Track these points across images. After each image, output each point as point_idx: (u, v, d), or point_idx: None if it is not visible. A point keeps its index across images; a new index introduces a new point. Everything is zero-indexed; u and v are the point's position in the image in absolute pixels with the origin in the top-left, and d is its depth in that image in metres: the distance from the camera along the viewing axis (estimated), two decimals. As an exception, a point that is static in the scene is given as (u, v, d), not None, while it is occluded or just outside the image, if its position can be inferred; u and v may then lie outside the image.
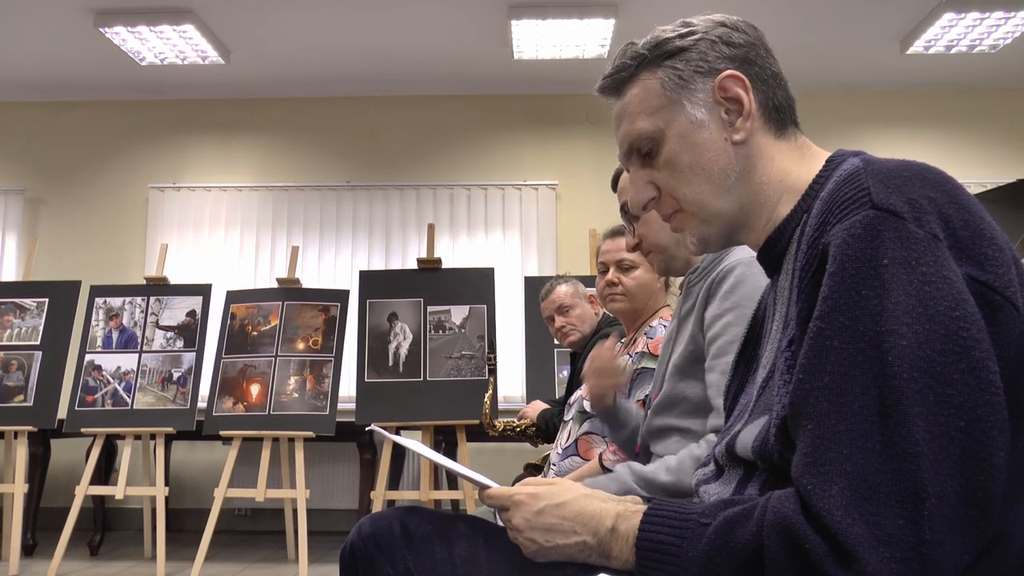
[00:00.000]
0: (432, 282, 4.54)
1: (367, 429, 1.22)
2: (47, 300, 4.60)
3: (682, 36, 1.03)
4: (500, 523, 1.05)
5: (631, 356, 2.15)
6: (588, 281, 3.30)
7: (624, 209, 1.70)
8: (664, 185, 1.04)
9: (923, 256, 0.78)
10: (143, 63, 5.19)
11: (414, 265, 4.71)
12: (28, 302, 4.61)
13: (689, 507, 0.90)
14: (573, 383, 3.14)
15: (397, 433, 4.23)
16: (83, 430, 4.30)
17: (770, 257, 1.03)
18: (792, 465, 0.81)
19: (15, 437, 4.30)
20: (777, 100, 1.03)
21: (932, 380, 0.75)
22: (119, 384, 4.42)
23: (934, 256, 0.78)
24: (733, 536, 0.82)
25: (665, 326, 2.13)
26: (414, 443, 1.28)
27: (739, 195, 1.01)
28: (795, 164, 1.02)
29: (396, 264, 5.59)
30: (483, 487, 1.06)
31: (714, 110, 1.01)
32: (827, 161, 0.99)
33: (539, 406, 3.46)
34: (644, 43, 1.05)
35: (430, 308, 4.47)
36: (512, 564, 1.01)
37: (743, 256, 1.51)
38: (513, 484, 1.12)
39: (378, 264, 5.61)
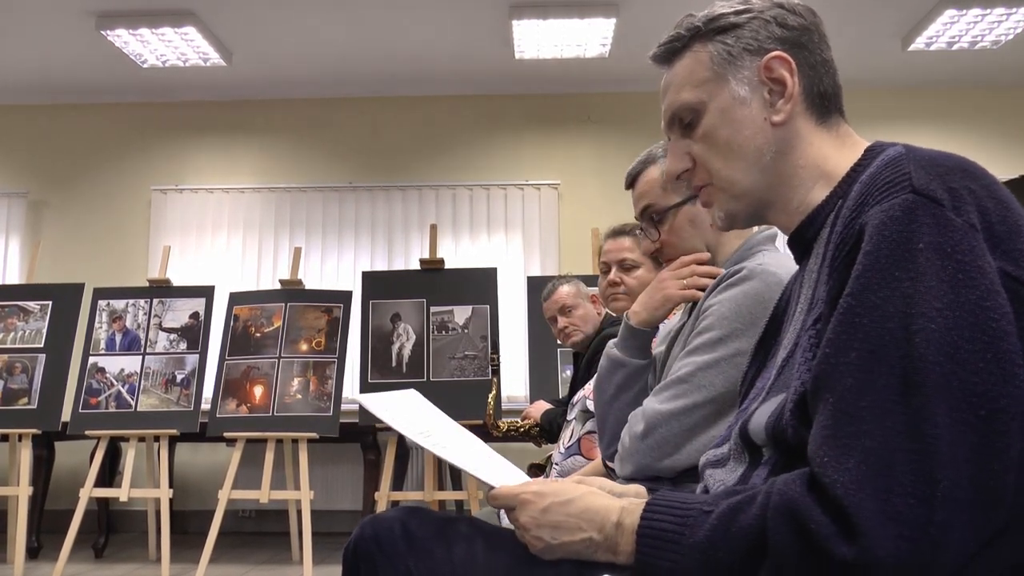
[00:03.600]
0: (435, 282, 4.55)
1: (355, 398, 1.19)
2: (50, 303, 4.61)
3: (738, 13, 1.04)
4: (505, 523, 1.06)
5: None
6: (591, 281, 3.30)
7: (646, 211, 1.66)
8: (699, 157, 1.06)
9: (959, 244, 0.78)
10: (145, 65, 5.20)
11: (417, 266, 4.71)
12: (31, 305, 4.62)
13: (692, 497, 0.90)
14: (576, 383, 3.14)
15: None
16: (87, 432, 4.31)
17: (801, 242, 1.04)
18: (810, 438, 0.81)
19: (19, 440, 4.30)
20: (823, 87, 1.03)
21: (957, 366, 0.75)
22: (123, 386, 4.43)
23: (970, 245, 0.78)
24: (735, 521, 0.82)
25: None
26: (408, 427, 1.24)
27: (772, 175, 1.02)
28: (834, 151, 1.02)
29: (399, 265, 5.60)
30: (488, 487, 1.06)
31: (758, 89, 1.02)
32: (866, 150, 1.00)
33: (542, 406, 3.47)
34: (701, 16, 1.06)
35: (433, 308, 4.47)
36: (510, 564, 1.01)
37: (755, 266, 1.46)
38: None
39: (381, 265, 5.61)
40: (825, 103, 1.04)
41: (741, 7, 1.04)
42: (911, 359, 0.76)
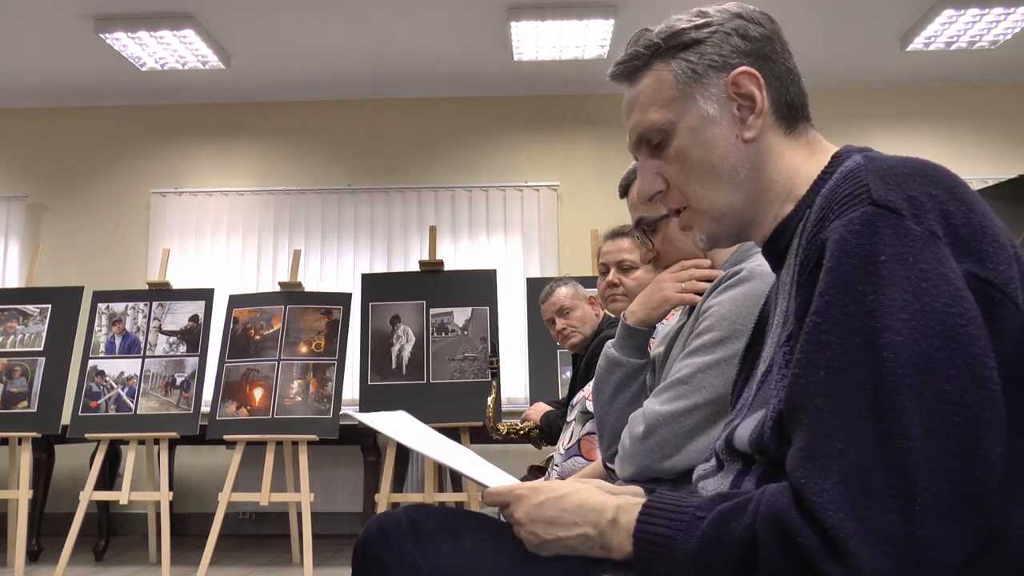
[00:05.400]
0: (434, 284, 4.55)
1: (345, 414, 1.20)
2: (50, 306, 4.60)
3: (697, 28, 1.02)
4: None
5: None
6: (590, 282, 3.30)
7: (639, 224, 1.67)
8: (673, 179, 1.04)
9: (920, 253, 0.78)
10: (144, 68, 5.20)
11: (416, 267, 4.71)
12: (31, 308, 4.62)
13: (687, 500, 0.90)
14: (576, 384, 3.14)
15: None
16: (87, 436, 4.30)
17: (774, 252, 1.03)
18: (787, 459, 0.81)
19: (19, 443, 4.30)
20: (790, 97, 1.02)
21: (927, 376, 0.75)
22: (122, 389, 4.43)
23: (932, 253, 0.78)
24: (727, 529, 0.82)
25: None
26: (401, 432, 1.26)
27: (748, 192, 1.01)
28: (804, 160, 1.01)
29: (398, 267, 5.59)
30: (482, 486, 1.06)
31: (726, 106, 1.00)
32: (832, 157, 0.99)
33: (542, 408, 3.47)
34: (658, 32, 1.04)
35: (432, 310, 4.47)
36: (516, 559, 1.01)
37: (755, 267, 1.48)
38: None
39: (380, 267, 5.61)
40: (793, 113, 1.02)
41: (700, 21, 1.02)
42: (880, 373, 0.76)
